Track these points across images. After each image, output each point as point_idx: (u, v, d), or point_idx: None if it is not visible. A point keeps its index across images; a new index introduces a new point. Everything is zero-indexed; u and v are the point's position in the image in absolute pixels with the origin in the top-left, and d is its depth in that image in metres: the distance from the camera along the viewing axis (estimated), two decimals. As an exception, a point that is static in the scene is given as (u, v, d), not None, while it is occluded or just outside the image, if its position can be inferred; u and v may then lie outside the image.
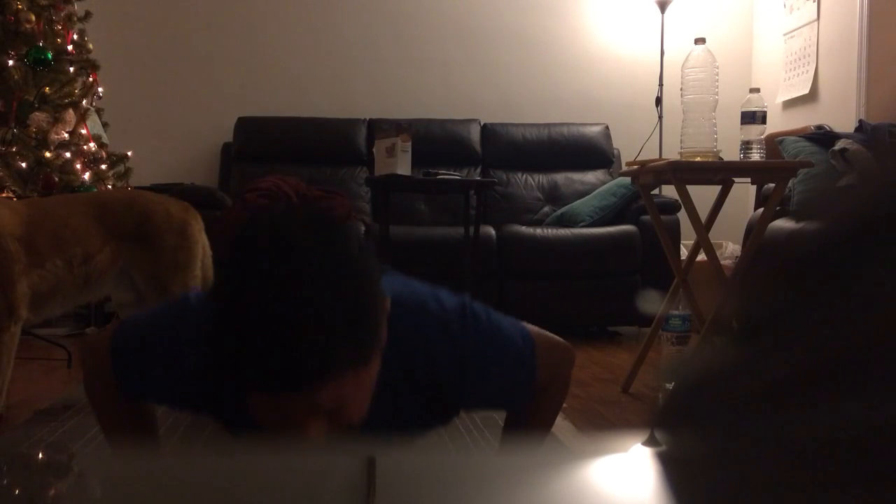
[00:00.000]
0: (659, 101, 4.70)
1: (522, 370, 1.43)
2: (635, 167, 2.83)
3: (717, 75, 2.66)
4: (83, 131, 3.76)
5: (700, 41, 2.65)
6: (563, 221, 4.30)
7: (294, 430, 1.12)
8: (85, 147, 3.71)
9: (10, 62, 3.56)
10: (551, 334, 1.52)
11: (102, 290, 2.55)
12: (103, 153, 3.80)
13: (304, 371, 1.03)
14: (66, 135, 3.62)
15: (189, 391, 1.34)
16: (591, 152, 4.76)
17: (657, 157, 3.97)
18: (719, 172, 2.65)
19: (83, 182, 3.63)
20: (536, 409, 1.56)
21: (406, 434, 1.43)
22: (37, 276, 2.33)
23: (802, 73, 4.59)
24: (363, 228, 4.11)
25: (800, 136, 3.68)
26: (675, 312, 2.68)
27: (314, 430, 1.12)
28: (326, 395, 1.07)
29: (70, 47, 3.82)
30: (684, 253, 3.15)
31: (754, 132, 2.63)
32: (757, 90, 2.70)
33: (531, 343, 1.44)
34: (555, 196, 4.64)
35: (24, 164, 3.51)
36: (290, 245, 1.05)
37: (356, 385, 1.10)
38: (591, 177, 4.69)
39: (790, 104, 4.74)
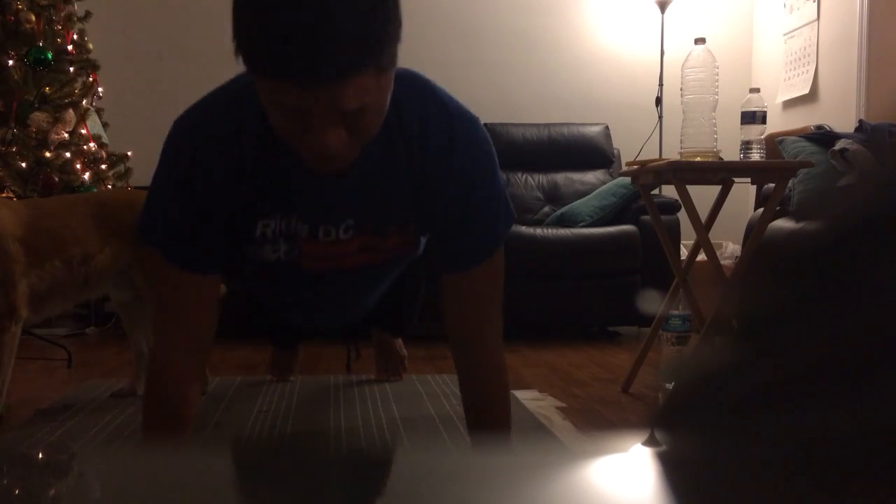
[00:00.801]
0: (659, 101, 4.70)
1: (501, 210, 1.52)
2: (635, 167, 2.83)
3: (717, 75, 2.66)
4: (83, 131, 3.76)
5: (700, 41, 2.65)
6: (563, 221, 4.30)
7: (314, 139, 1.14)
8: (85, 147, 3.71)
9: (10, 62, 3.55)
10: None
11: (102, 290, 2.55)
12: (103, 153, 3.80)
13: (332, 61, 1.05)
14: (66, 135, 3.62)
15: (210, 198, 1.39)
16: (591, 152, 4.76)
17: (657, 157, 3.97)
18: (719, 172, 2.65)
19: (83, 182, 3.63)
20: (488, 395, 1.59)
21: (394, 214, 1.48)
22: (36, 277, 2.33)
23: (802, 73, 4.59)
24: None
25: (800, 136, 3.68)
26: (675, 312, 2.68)
27: (333, 137, 1.14)
28: (349, 94, 1.09)
29: (70, 47, 3.82)
30: (684, 253, 3.15)
31: (754, 132, 2.63)
32: (757, 90, 2.70)
33: (510, 220, 1.54)
34: (555, 196, 4.64)
35: (24, 164, 3.51)
36: None
37: (377, 90, 1.14)
38: (591, 177, 4.69)
39: (790, 104, 4.74)
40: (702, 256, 2.73)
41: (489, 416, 1.60)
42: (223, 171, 1.38)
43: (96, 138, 3.84)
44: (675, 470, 0.40)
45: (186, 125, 1.41)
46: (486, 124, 5.22)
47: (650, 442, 0.46)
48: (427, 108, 1.40)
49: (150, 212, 1.46)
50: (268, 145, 1.29)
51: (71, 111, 3.66)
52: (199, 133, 1.39)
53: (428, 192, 1.44)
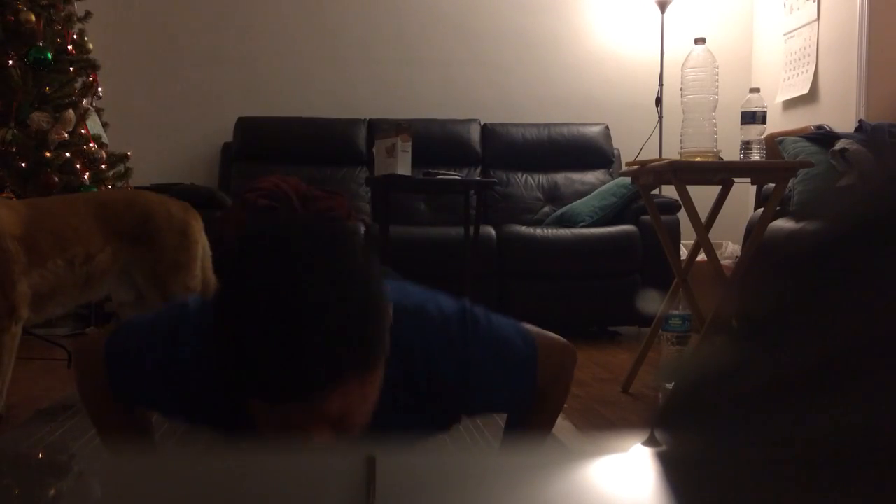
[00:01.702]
0: (659, 101, 4.70)
1: (524, 373, 1.42)
2: (635, 167, 2.83)
3: (717, 75, 2.66)
4: (83, 131, 3.76)
5: (700, 41, 2.65)
6: (563, 221, 4.30)
7: (298, 439, 1.11)
8: (85, 147, 3.71)
9: (10, 62, 3.55)
10: (553, 335, 1.50)
11: (103, 290, 2.55)
12: (103, 153, 3.80)
13: (310, 381, 1.01)
14: (66, 135, 3.62)
15: (185, 400, 1.32)
16: (591, 152, 4.76)
17: (657, 157, 3.97)
18: (719, 172, 2.65)
19: (83, 182, 3.63)
20: (538, 410, 1.55)
21: (406, 439, 1.43)
22: (37, 276, 2.33)
23: (802, 73, 4.59)
24: (363, 228, 4.11)
25: (800, 136, 3.68)
26: (675, 312, 2.68)
27: (319, 438, 1.11)
28: (332, 404, 1.05)
29: (70, 47, 3.82)
30: (684, 253, 3.15)
31: (754, 132, 2.63)
32: (757, 90, 2.70)
33: (532, 345, 1.43)
34: (555, 196, 4.64)
35: (24, 164, 3.51)
36: (293, 251, 1.03)
37: (362, 392, 1.09)
38: (591, 177, 4.69)
39: (790, 104, 4.74)
40: (702, 256, 2.73)
41: (530, 422, 1.57)
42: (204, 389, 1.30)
43: (96, 138, 3.84)
44: (675, 470, 0.40)
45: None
46: (485, 124, 5.22)
47: (650, 442, 0.46)
48: (429, 344, 1.31)
49: (123, 347, 1.35)
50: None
51: (71, 111, 3.66)
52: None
53: (444, 411, 1.40)
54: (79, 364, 1.46)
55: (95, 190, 3.61)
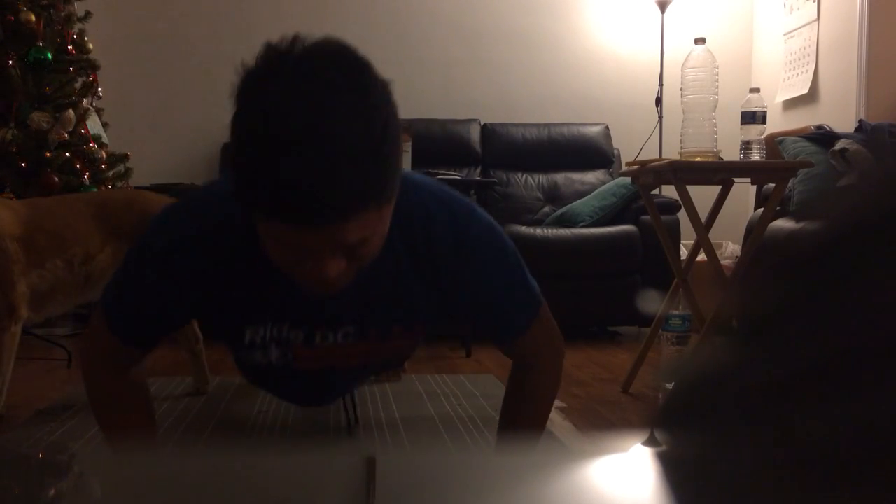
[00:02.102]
0: (659, 101, 4.70)
1: (524, 294, 1.49)
2: (635, 167, 2.83)
3: (717, 75, 2.66)
4: (83, 131, 3.76)
5: (700, 41, 2.65)
6: (563, 221, 4.30)
7: (312, 270, 1.12)
8: (85, 147, 3.71)
9: (10, 62, 3.55)
10: None
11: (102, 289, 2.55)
12: (103, 153, 3.80)
13: (334, 205, 1.02)
14: (66, 135, 3.62)
15: (182, 298, 1.34)
16: (591, 152, 4.76)
17: (657, 157, 3.97)
18: (719, 172, 2.65)
19: (83, 182, 3.63)
20: (530, 400, 1.56)
21: (401, 315, 1.44)
22: (36, 277, 2.33)
23: (802, 73, 4.59)
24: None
25: (800, 136, 3.68)
26: (675, 312, 2.68)
27: (333, 269, 1.11)
28: (351, 231, 1.06)
29: (70, 47, 3.82)
30: (684, 253, 3.15)
31: (754, 132, 2.63)
32: (757, 90, 2.70)
33: (539, 296, 1.50)
34: (555, 196, 4.64)
35: (24, 164, 3.51)
36: (318, 76, 1.03)
37: (378, 222, 1.10)
38: (591, 177, 4.69)
39: (790, 104, 4.74)
40: (702, 256, 2.73)
41: (522, 421, 1.58)
42: (199, 280, 1.32)
43: (96, 138, 3.84)
44: (675, 470, 0.40)
45: (164, 231, 1.34)
46: (485, 124, 5.21)
47: (650, 442, 0.46)
48: (427, 205, 1.35)
49: (114, 296, 1.40)
50: (255, 257, 1.22)
51: (71, 111, 3.66)
52: (176, 241, 1.31)
53: (441, 291, 1.40)
54: (83, 346, 1.47)
55: (95, 190, 3.61)
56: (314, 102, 1.00)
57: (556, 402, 2.56)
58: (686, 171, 2.59)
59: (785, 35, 4.78)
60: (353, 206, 1.03)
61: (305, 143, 0.99)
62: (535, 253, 4.00)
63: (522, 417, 1.56)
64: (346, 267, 1.13)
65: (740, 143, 2.64)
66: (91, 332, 1.46)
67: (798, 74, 4.64)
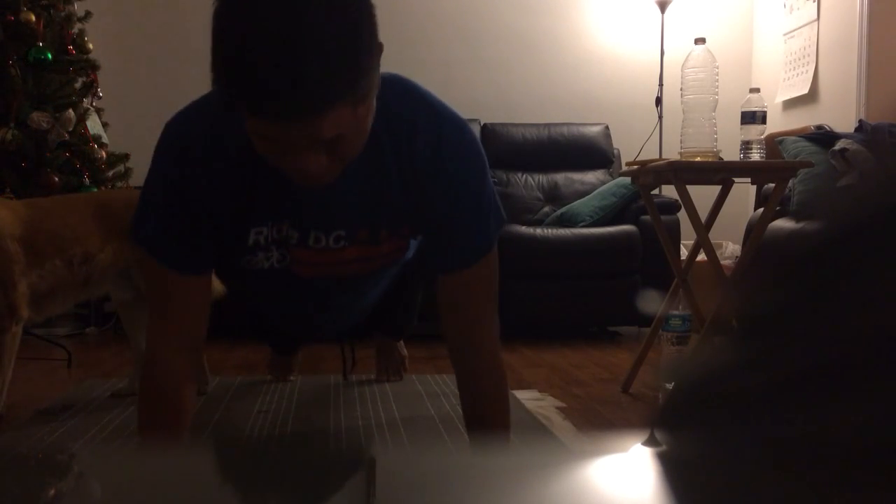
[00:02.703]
0: (659, 101, 4.70)
1: (489, 219, 1.50)
2: (635, 167, 2.83)
3: (717, 75, 2.66)
4: (83, 131, 3.76)
5: (700, 41, 2.65)
6: (563, 221, 4.30)
7: (294, 163, 1.17)
8: (85, 147, 3.71)
9: (10, 62, 3.55)
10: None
11: (102, 289, 2.55)
12: (103, 153, 3.80)
13: (306, 99, 1.06)
14: (66, 135, 3.62)
15: (202, 201, 1.41)
16: (591, 152, 4.76)
17: (657, 157, 3.97)
18: (719, 172, 2.65)
19: (83, 182, 3.63)
20: (487, 400, 1.60)
21: (389, 217, 1.48)
22: (37, 276, 2.33)
23: (802, 73, 4.59)
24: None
25: (800, 136, 3.68)
26: (675, 312, 2.68)
27: (313, 163, 1.17)
28: (325, 127, 1.11)
29: (70, 47, 3.82)
30: (684, 253, 3.15)
31: (754, 132, 2.63)
32: (757, 90, 2.70)
33: (501, 221, 1.52)
34: (555, 196, 4.64)
35: (24, 164, 3.51)
36: None
37: (354, 120, 1.15)
38: (591, 177, 4.69)
39: (790, 104, 4.74)
40: (702, 256, 2.73)
41: (486, 416, 1.61)
42: (212, 174, 1.39)
43: (96, 138, 3.84)
44: (675, 470, 0.40)
45: (176, 129, 1.44)
46: (485, 124, 5.20)
47: (650, 442, 0.46)
48: (415, 109, 1.41)
49: (142, 214, 1.47)
50: (253, 154, 1.29)
51: (71, 111, 3.66)
52: (188, 137, 1.40)
53: (417, 193, 1.44)
54: (149, 326, 1.52)
55: (95, 190, 3.61)
56: (287, 1, 1.05)
57: (556, 402, 2.56)
58: (686, 171, 2.58)
59: (785, 35, 4.78)
60: (324, 101, 1.08)
61: (275, 40, 1.04)
62: (535, 253, 4.01)
63: (488, 415, 1.60)
64: (328, 162, 1.18)
65: (740, 143, 2.64)
66: (148, 283, 1.53)
67: (798, 74, 4.64)
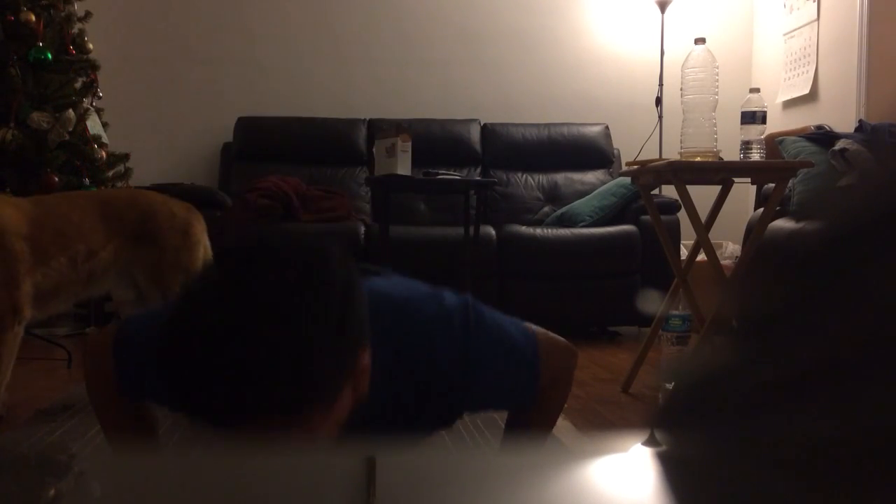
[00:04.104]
0: (659, 101, 4.70)
1: (525, 371, 1.42)
2: (635, 167, 2.83)
3: (717, 75, 2.66)
4: (83, 131, 3.76)
5: (700, 41, 2.65)
6: (563, 221, 4.30)
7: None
8: (85, 147, 3.71)
9: (10, 62, 3.55)
10: (554, 335, 1.50)
11: (104, 287, 2.55)
12: (103, 153, 3.80)
13: (253, 420, 0.96)
14: (67, 135, 3.62)
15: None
16: (591, 152, 4.76)
17: (657, 157, 3.97)
18: (719, 172, 2.65)
19: (83, 182, 3.63)
20: (539, 409, 1.55)
21: (409, 435, 1.42)
22: (41, 275, 2.33)
23: (802, 73, 4.59)
24: (363, 228, 4.11)
25: (800, 136, 3.68)
26: (675, 312, 2.68)
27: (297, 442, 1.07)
28: (286, 433, 0.99)
29: (70, 47, 3.82)
30: (684, 253, 3.15)
31: (754, 132, 2.63)
32: (757, 90, 2.70)
33: (534, 344, 1.42)
34: (555, 196, 4.64)
35: (24, 164, 3.51)
36: (256, 285, 0.95)
37: (321, 420, 1.02)
38: (591, 177, 4.69)
39: (790, 104, 4.74)
40: (702, 256, 2.73)
41: (530, 422, 1.57)
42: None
43: (96, 138, 3.84)
44: (675, 470, 0.40)
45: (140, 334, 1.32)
46: (485, 124, 5.21)
47: (650, 442, 0.46)
48: (428, 334, 1.30)
49: (130, 341, 1.36)
50: None
51: (71, 111, 3.66)
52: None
53: (454, 398, 1.37)
54: (87, 360, 1.46)
55: (96, 189, 3.61)
56: (241, 321, 0.93)
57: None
58: (686, 171, 2.58)
59: (785, 35, 4.78)
60: (274, 423, 0.96)
61: (226, 362, 0.92)
62: (535, 253, 4.01)
63: (531, 420, 1.56)
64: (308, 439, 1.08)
65: (740, 143, 2.64)
66: (95, 355, 1.42)
67: (798, 74, 4.64)
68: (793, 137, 3.70)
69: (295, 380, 0.94)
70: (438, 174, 3.69)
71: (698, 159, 2.59)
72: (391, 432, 1.36)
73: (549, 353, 1.46)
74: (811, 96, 4.51)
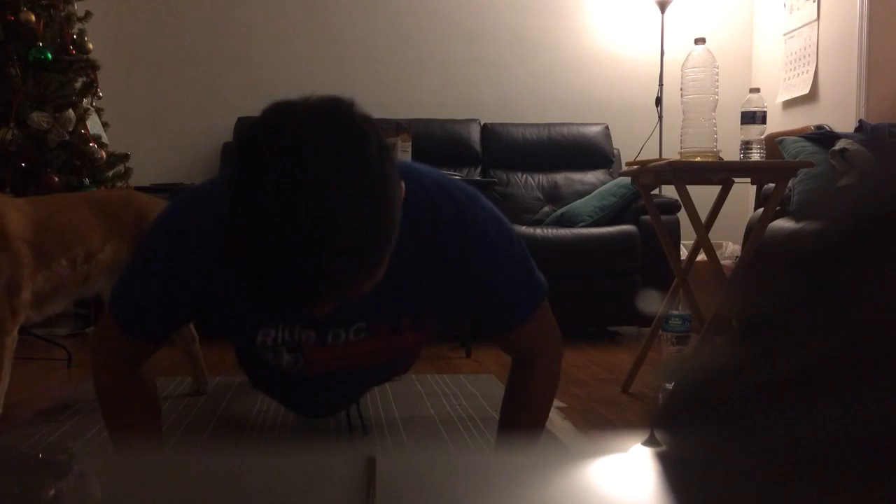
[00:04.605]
0: (659, 101, 4.70)
1: (527, 283, 1.47)
2: (635, 167, 2.83)
3: (717, 75, 2.66)
4: (83, 131, 3.76)
5: (700, 41, 2.65)
6: (563, 221, 4.30)
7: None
8: (85, 147, 3.71)
9: (10, 62, 3.55)
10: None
11: (96, 287, 2.55)
12: (103, 153, 3.80)
13: (323, 302, 1.09)
14: (67, 135, 3.62)
15: (189, 294, 1.35)
16: (591, 152, 4.76)
17: (657, 157, 3.97)
18: (719, 172, 2.65)
19: (83, 182, 3.63)
20: (530, 399, 1.56)
21: (411, 306, 1.43)
22: (43, 279, 2.34)
23: (802, 73, 4.59)
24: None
25: (800, 136, 3.68)
26: (675, 312, 2.68)
27: (318, 312, 1.19)
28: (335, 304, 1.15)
29: (70, 47, 3.82)
30: (684, 253, 3.15)
31: (754, 132, 2.63)
32: (757, 90, 2.70)
33: (544, 286, 1.50)
34: (555, 196, 4.64)
35: (24, 164, 3.51)
36: (304, 166, 0.99)
37: (368, 287, 1.11)
38: (591, 177, 4.69)
39: (790, 104, 4.74)
40: (702, 256, 2.73)
41: (521, 419, 1.57)
42: (208, 276, 1.31)
43: (96, 138, 3.84)
44: (675, 470, 0.40)
45: (175, 222, 1.33)
46: (485, 124, 5.19)
47: (650, 442, 0.46)
48: (434, 201, 1.35)
49: (123, 298, 1.40)
50: None
51: (71, 111, 3.66)
52: (186, 235, 1.30)
53: (447, 282, 1.39)
54: (96, 336, 1.49)
55: (94, 189, 3.61)
56: (303, 202, 0.97)
57: (556, 402, 2.56)
58: (686, 171, 2.58)
59: (785, 35, 4.78)
60: (341, 296, 1.07)
61: (293, 246, 0.97)
62: (535, 253, 3.99)
63: (522, 416, 1.56)
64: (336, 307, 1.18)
65: (740, 143, 2.64)
66: (100, 329, 1.48)
67: (798, 74, 4.64)
68: (793, 137, 3.70)
69: (370, 257, 1.03)
70: (438, 174, 3.69)
71: (698, 159, 2.59)
72: (398, 303, 1.40)
73: (548, 313, 1.51)
74: (811, 96, 4.51)
